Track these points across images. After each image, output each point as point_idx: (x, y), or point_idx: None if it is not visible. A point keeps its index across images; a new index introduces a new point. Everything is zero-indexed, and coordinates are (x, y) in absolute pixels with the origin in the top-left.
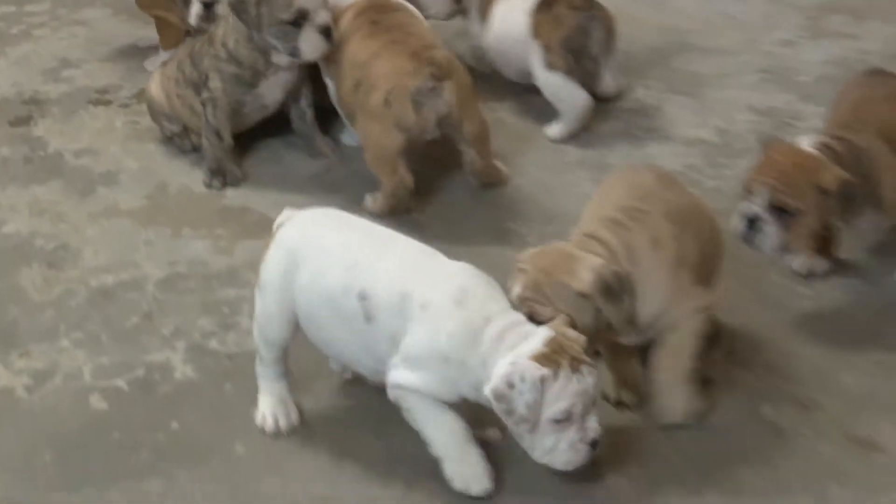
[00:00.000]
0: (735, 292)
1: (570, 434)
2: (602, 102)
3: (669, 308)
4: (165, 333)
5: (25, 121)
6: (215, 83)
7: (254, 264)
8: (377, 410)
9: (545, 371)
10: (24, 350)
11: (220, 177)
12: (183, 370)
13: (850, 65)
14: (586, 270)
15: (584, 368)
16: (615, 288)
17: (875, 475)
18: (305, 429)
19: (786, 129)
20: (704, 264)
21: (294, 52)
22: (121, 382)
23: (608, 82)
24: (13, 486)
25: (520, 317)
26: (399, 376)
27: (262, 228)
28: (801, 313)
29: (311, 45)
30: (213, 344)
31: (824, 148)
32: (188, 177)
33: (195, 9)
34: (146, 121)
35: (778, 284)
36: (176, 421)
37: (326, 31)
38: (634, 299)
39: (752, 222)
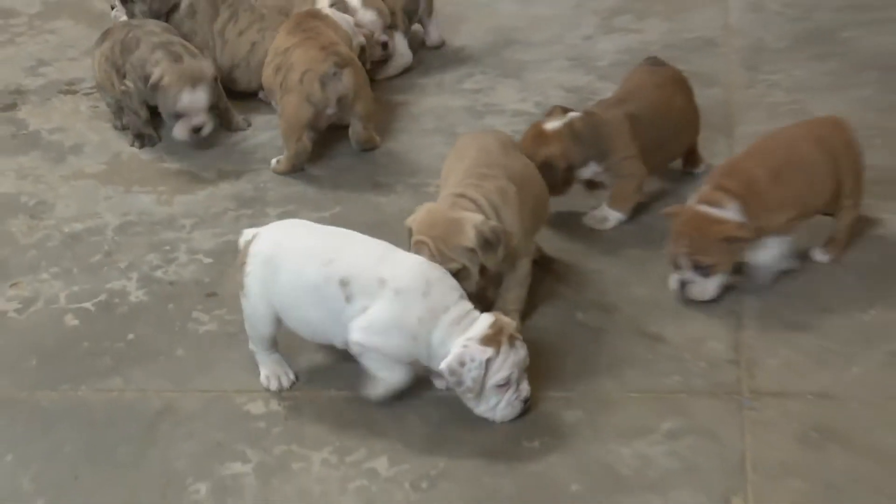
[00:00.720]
0: (559, 227)
1: (508, 395)
2: (431, 53)
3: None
4: (122, 267)
5: (11, 107)
6: (129, 83)
7: (188, 213)
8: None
9: (490, 353)
10: (14, 281)
11: (141, 139)
12: (136, 294)
13: (635, 53)
14: (470, 228)
15: (518, 343)
16: (492, 240)
17: (661, 361)
18: (230, 338)
19: (587, 102)
20: (534, 215)
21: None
22: (88, 305)
23: (434, 37)
24: (7, 386)
25: (469, 305)
26: (366, 339)
27: (193, 185)
28: (606, 241)
29: (180, 134)
30: (159, 274)
31: (566, 127)
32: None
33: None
34: (104, 105)
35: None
36: (132, 333)
37: (197, 130)
38: (505, 248)
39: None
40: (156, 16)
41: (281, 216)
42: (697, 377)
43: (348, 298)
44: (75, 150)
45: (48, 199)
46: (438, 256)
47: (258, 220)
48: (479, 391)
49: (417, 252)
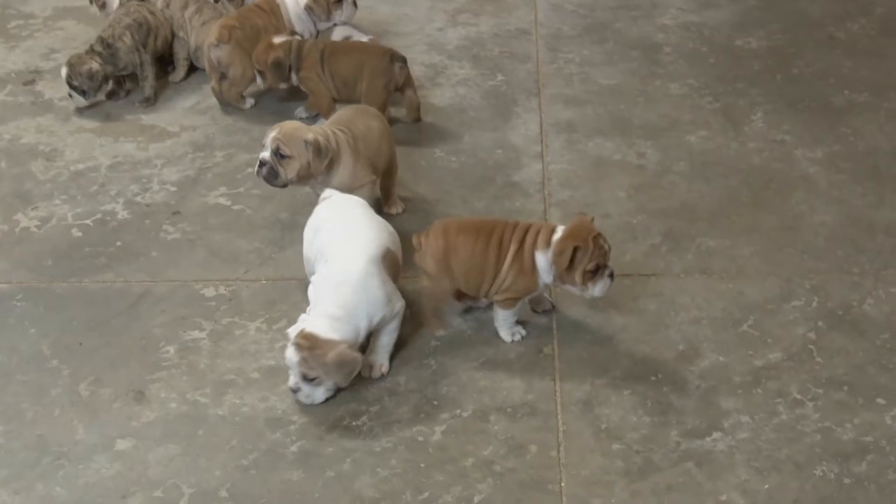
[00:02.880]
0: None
1: (289, 375)
2: None
3: (352, 180)
4: (112, 194)
5: (31, 82)
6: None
7: (159, 156)
8: None
9: (289, 337)
10: (35, 206)
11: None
12: (122, 214)
13: (473, 40)
14: (311, 132)
15: (303, 354)
16: (322, 147)
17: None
18: (190, 243)
19: (440, 76)
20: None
21: None
22: (88, 221)
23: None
24: (31, 278)
25: (331, 312)
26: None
27: (163, 135)
28: (455, 171)
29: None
30: (139, 199)
31: (287, 42)
32: (122, 110)
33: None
34: None
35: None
36: (119, 241)
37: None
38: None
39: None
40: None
41: (225, 157)
42: None
43: (325, 260)
44: (78, 112)
45: (59, 147)
46: (282, 143)
47: (208, 160)
48: None
49: (269, 137)
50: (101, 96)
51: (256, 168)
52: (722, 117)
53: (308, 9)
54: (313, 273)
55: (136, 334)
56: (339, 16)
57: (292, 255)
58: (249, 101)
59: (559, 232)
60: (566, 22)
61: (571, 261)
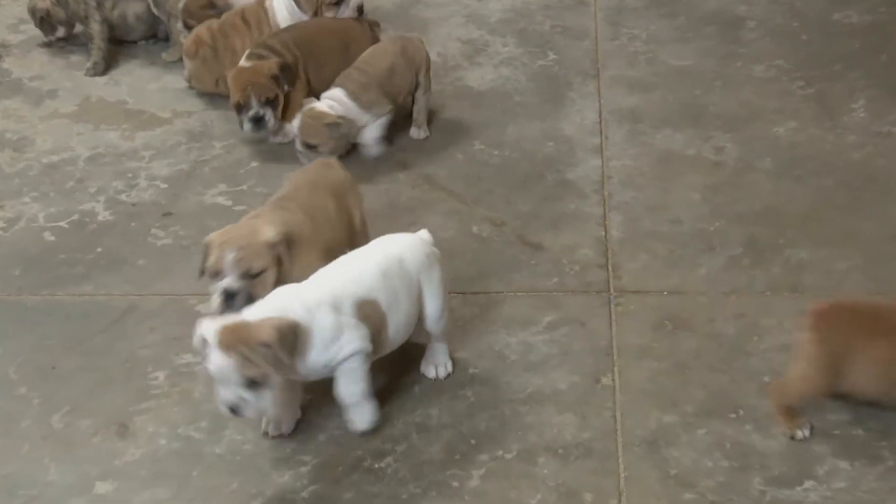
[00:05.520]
0: (453, 151)
1: (219, 390)
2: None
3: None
4: (91, 191)
5: None
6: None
7: (147, 146)
8: None
9: (202, 340)
10: (0, 204)
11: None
12: (103, 214)
13: (519, 12)
14: (272, 232)
15: (231, 353)
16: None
17: (541, 265)
18: (183, 250)
19: (480, 54)
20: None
21: None
22: (63, 223)
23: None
24: None
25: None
26: None
27: (152, 122)
28: (496, 166)
29: None
30: (122, 197)
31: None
32: (104, 91)
33: None
34: (75, 56)
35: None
36: (100, 246)
37: None
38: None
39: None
40: None
41: (225, 148)
42: (572, 278)
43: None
44: (51, 94)
45: (29, 135)
46: (242, 255)
47: (206, 152)
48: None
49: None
50: (48, 37)
51: (220, 302)
52: (815, 105)
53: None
54: None
55: (120, 357)
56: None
57: None
58: None
59: None
60: None
61: None
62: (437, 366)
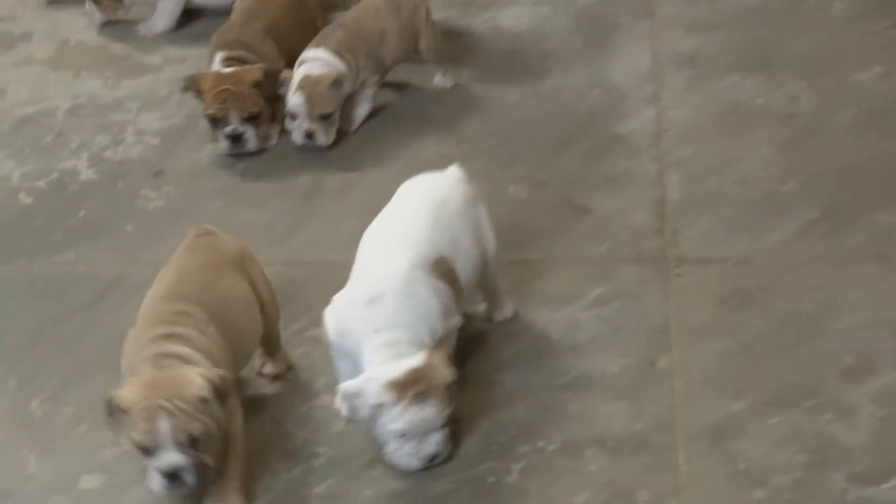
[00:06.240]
0: (483, 108)
1: (407, 447)
2: None
3: None
4: (72, 147)
5: None
6: None
7: (134, 96)
8: None
9: (382, 400)
10: None
11: None
12: (87, 173)
13: None
14: (198, 378)
15: (431, 400)
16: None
17: (588, 231)
18: (177, 213)
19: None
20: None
21: None
22: (41, 184)
23: None
24: None
25: (406, 335)
26: (326, 314)
27: (139, 69)
28: (532, 120)
29: None
30: (108, 153)
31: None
32: (84, 34)
33: None
34: None
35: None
36: (83, 210)
37: None
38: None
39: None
40: None
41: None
42: (624, 246)
43: (354, 265)
44: (24, 37)
45: (0, 84)
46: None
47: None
48: (376, 430)
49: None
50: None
51: (166, 484)
52: None
53: None
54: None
55: (105, 335)
56: None
57: (314, 231)
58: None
59: None
60: None
61: None
62: (503, 306)
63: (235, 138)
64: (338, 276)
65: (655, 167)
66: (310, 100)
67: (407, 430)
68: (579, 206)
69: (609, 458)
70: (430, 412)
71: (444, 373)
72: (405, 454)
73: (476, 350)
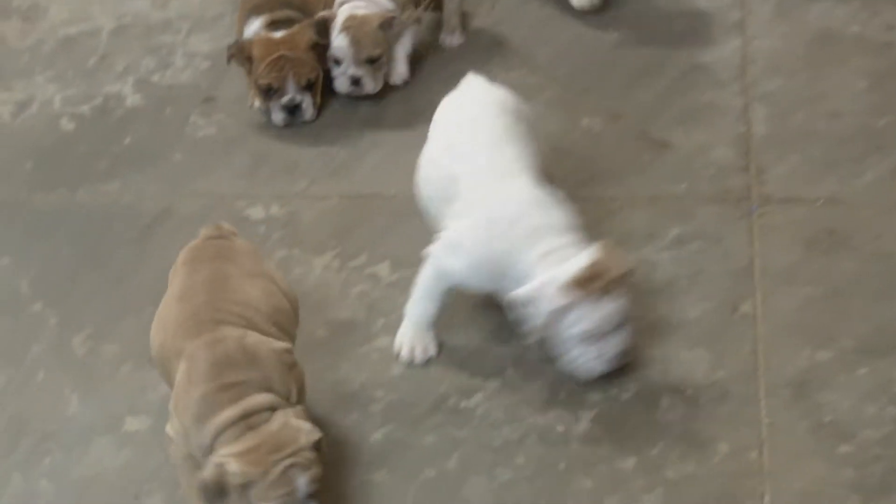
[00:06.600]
0: (553, 43)
1: (591, 351)
2: None
3: None
4: (118, 71)
5: None
6: None
7: (184, 16)
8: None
9: (562, 304)
10: (7, 85)
11: None
12: (132, 98)
13: None
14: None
15: (614, 293)
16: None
17: (667, 167)
18: (229, 142)
19: None
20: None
21: None
22: (84, 109)
23: None
24: (3, 189)
25: (570, 239)
26: (441, 250)
27: None
28: (609, 48)
29: None
30: (156, 78)
31: None
32: None
33: None
34: None
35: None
36: (128, 137)
37: None
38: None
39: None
40: None
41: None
42: (705, 184)
43: (449, 199)
44: None
45: (41, 2)
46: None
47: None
48: (555, 340)
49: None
50: None
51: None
52: None
53: None
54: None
55: (153, 270)
56: None
57: (374, 163)
58: None
59: None
60: None
61: None
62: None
63: (292, 109)
64: (399, 210)
65: (741, 101)
66: (356, 42)
67: (593, 330)
68: (657, 140)
69: (686, 408)
70: (614, 306)
71: (622, 261)
72: (589, 359)
73: None
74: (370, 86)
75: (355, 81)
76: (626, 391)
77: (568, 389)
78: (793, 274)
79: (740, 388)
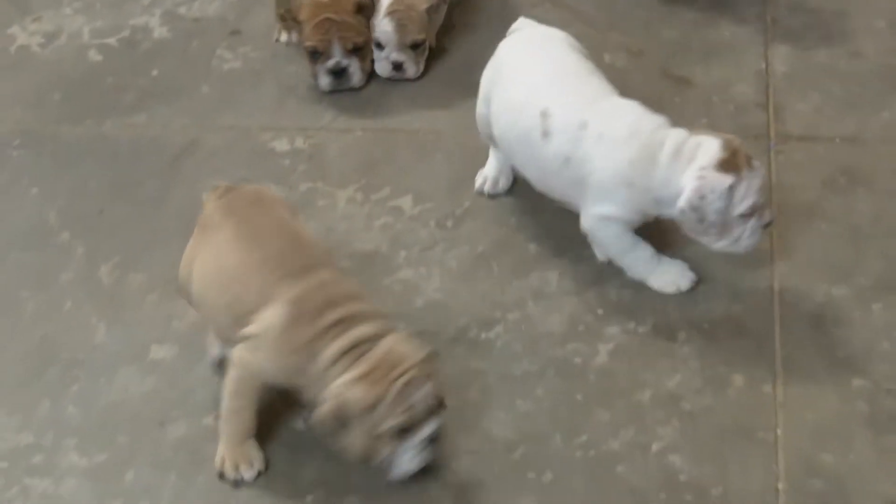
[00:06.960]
0: None
1: (753, 222)
2: None
3: None
4: (144, 3)
5: None
6: None
7: None
8: None
9: (732, 179)
10: (36, 16)
11: None
12: (160, 31)
13: None
14: None
15: (755, 162)
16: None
17: (688, 104)
18: (255, 76)
19: None
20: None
21: None
22: (111, 40)
23: None
24: (30, 120)
25: (684, 131)
26: (592, 212)
27: None
28: None
29: None
30: (182, 10)
31: None
32: None
33: None
34: None
35: None
36: (155, 69)
37: None
38: None
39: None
40: None
41: None
42: (725, 120)
43: (544, 133)
44: None
45: None
46: None
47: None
48: (724, 223)
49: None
50: None
51: None
52: None
53: None
54: (485, 135)
55: (179, 201)
56: None
57: (399, 97)
58: None
59: None
60: None
61: None
62: None
63: (338, 73)
64: (422, 145)
65: (762, 38)
66: (401, 27)
67: (757, 200)
68: (678, 76)
69: (703, 342)
70: (762, 171)
71: (732, 136)
72: (752, 231)
73: (567, 223)
74: (412, 70)
75: (397, 66)
76: (644, 325)
77: (586, 323)
78: (810, 211)
79: (756, 322)
